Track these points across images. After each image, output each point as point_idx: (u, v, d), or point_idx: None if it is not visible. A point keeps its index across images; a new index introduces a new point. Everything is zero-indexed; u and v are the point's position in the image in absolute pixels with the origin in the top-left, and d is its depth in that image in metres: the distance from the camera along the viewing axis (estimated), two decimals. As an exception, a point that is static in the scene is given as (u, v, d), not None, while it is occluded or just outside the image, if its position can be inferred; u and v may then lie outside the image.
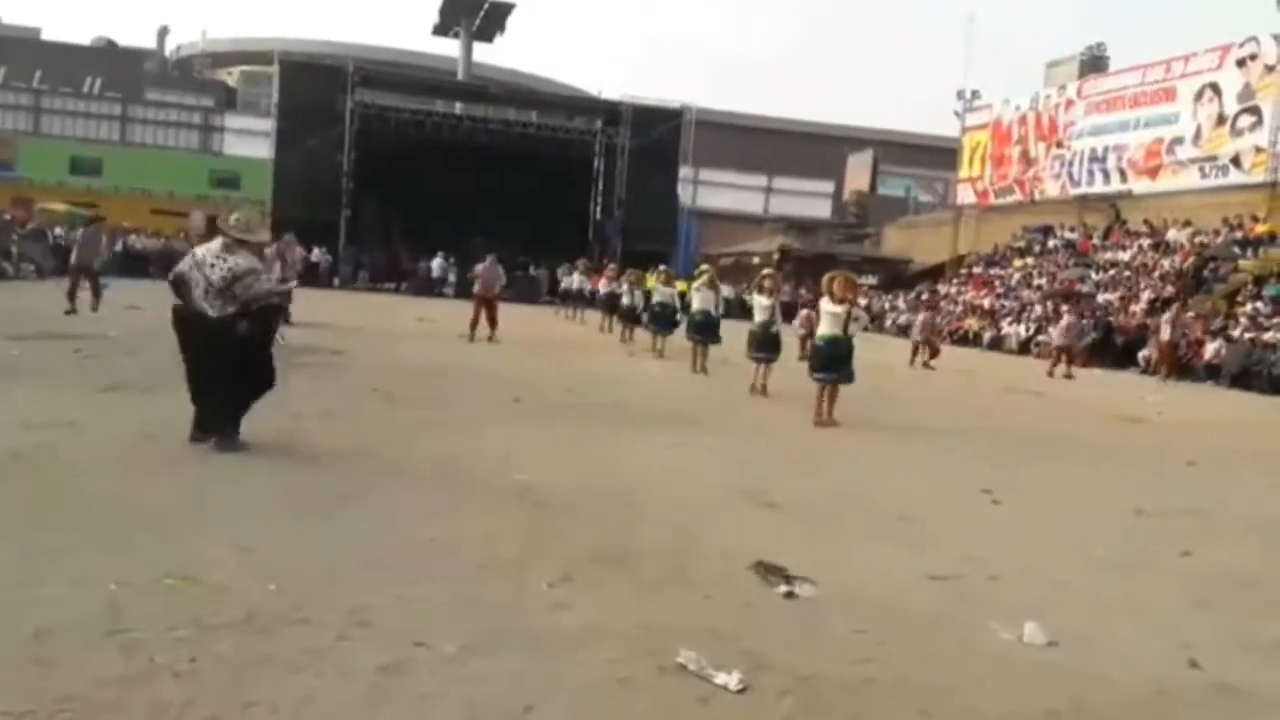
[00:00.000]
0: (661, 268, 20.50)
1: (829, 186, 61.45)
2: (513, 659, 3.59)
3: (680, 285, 26.31)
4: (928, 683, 3.70)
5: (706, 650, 3.70)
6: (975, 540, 5.89)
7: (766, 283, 13.42)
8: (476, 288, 18.62)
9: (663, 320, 17.96)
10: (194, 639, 3.50)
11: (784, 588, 4.61)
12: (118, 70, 58.68)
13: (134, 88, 57.98)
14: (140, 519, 4.97)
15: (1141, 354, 23.85)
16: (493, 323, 17.99)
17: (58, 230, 32.81)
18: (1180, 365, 22.26)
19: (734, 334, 14.85)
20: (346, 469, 6.46)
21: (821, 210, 60.17)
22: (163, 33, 69.44)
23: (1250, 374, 21.50)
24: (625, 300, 21.37)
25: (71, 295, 16.53)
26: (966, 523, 6.46)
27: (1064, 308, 27.07)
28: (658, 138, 39.46)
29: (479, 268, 18.75)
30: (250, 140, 50.34)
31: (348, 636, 3.65)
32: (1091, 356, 24.59)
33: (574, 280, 27.52)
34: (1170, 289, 28.69)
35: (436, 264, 36.31)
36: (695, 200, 51.89)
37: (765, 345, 12.85)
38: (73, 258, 17.40)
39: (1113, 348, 25.85)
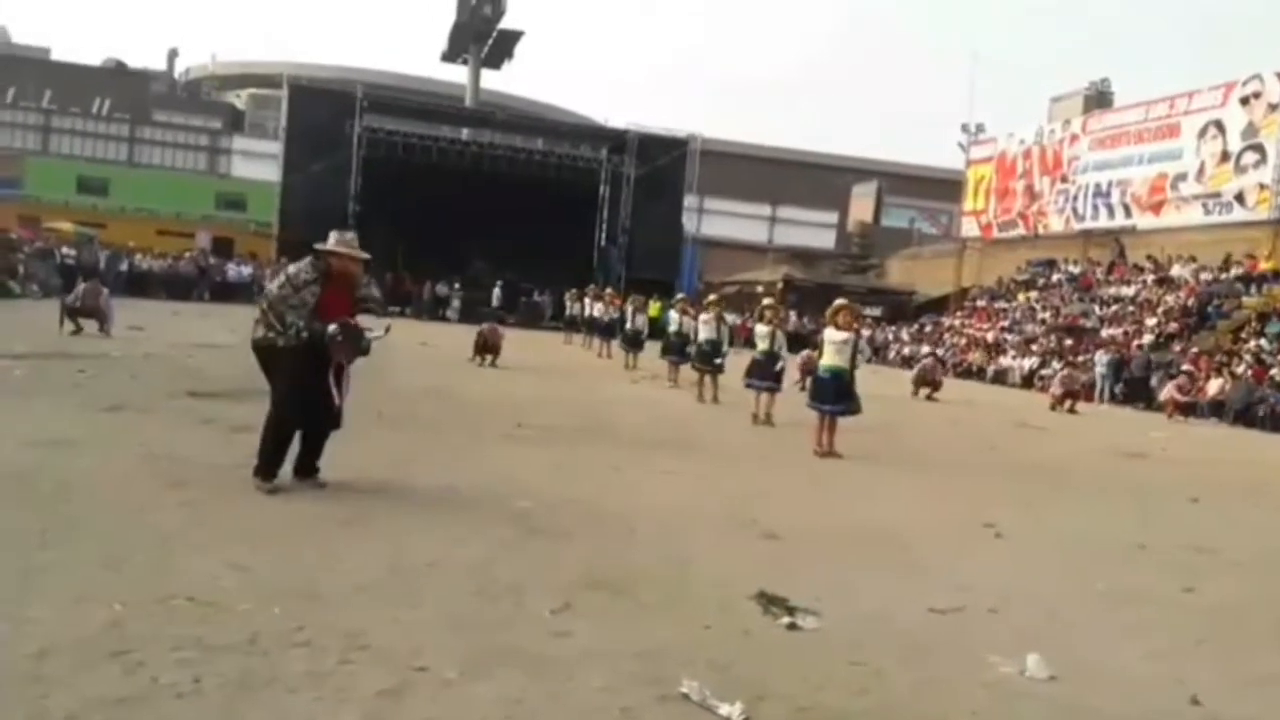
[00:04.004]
0: (680, 296, 21.06)
1: (833, 217, 61.71)
2: (512, 684, 3.59)
3: (653, 308, 26.48)
4: (925, 714, 3.70)
5: (706, 679, 3.70)
6: (976, 573, 5.89)
7: (767, 313, 13.49)
8: (479, 339, 18.71)
9: (675, 349, 17.79)
10: (197, 660, 3.50)
11: (786, 619, 4.61)
12: (126, 91, 59.23)
13: (142, 109, 58.50)
14: (143, 539, 4.98)
15: (1165, 394, 23.28)
16: (495, 350, 18.13)
17: (64, 249, 32.95)
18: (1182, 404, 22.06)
19: (737, 364, 14.85)
20: (348, 492, 6.47)
21: (825, 241, 60.41)
22: (172, 55, 70.25)
23: (1254, 411, 21.47)
24: (629, 325, 21.42)
25: (74, 319, 16.48)
26: (968, 555, 6.45)
27: (1066, 344, 27.12)
28: (663, 166, 39.62)
29: (483, 329, 18.82)
30: (257, 162, 50.70)
31: (349, 659, 3.66)
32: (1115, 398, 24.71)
33: (586, 307, 27.09)
34: (1174, 325, 28.71)
35: (497, 293, 36.61)
36: (699, 228, 52.06)
37: (765, 374, 12.87)
38: (76, 302, 17.08)
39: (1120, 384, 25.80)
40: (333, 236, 6.62)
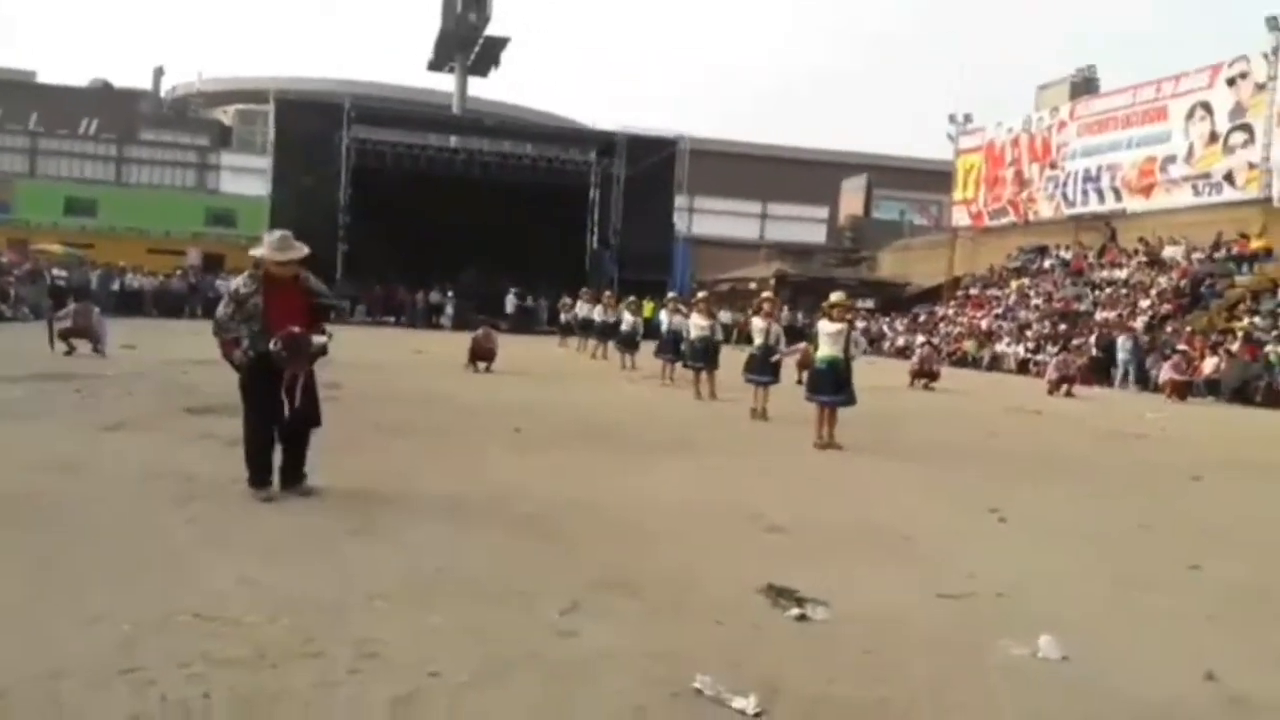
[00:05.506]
0: (671, 295, 20.79)
1: (823, 212, 61.75)
2: (525, 688, 3.58)
3: (648, 308, 26.53)
4: (940, 701, 3.70)
5: (719, 674, 3.69)
6: (983, 559, 5.89)
7: (765, 306, 13.51)
8: (474, 345, 18.66)
9: (668, 347, 17.84)
10: (206, 675, 3.49)
11: (796, 611, 4.60)
12: (113, 111, 59.03)
13: (129, 128, 58.31)
14: (149, 556, 4.97)
15: (1163, 375, 23.16)
16: (490, 356, 18.10)
17: (55, 270, 32.84)
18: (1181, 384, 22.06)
19: (734, 361, 14.85)
20: (352, 502, 6.46)
21: (816, 235, 60.39)
22: (158, 73, 69.86)
23: (1249, 388, 21.53)
24: (625, 327, 21.43)
25: (65, 340, 16.41)
26: (973, 542, 6.45)
27: (1060, 329, 26.97)
28: (652, 167, 39.56)
29: (477, 335, 18.77)
30: (246, 178, 50.45)
31: (359, 669, 3.64)
32: (1091, 374, 24.62)
33: (581, 309, 26.84)
34: (1168, 306, 28.79)
35: (510, 299, 36.81)
36: (691, 228, 51.96)
37: (763, 369, 12.89)
38: (67, 322, 16.96)
39: (1110, 365, 25.87)
40: (264, 239, 6.65)
